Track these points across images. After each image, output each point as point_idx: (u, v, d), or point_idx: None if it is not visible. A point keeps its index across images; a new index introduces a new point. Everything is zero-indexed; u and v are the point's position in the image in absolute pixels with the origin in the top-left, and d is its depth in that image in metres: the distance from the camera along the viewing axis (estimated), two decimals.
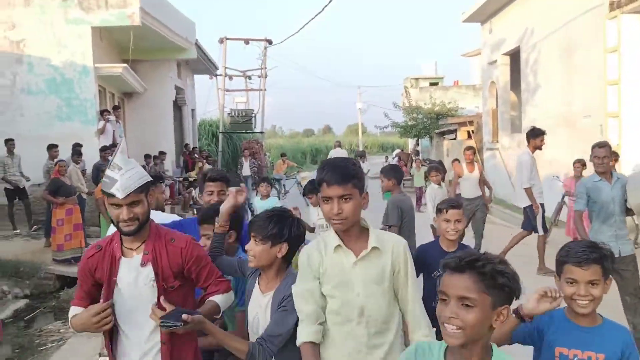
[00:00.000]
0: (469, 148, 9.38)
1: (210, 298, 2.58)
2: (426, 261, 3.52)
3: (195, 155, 18.30)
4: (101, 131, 11.77)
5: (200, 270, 2.54)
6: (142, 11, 12.03)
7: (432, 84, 39.53)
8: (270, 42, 27.22)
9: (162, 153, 15.23)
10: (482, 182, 9.10)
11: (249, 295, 2.70)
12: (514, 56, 15.81)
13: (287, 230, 2.60)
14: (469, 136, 21.74)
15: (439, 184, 8.13)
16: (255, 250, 2.57)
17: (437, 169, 8.59)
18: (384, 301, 2.31)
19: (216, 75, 25.25)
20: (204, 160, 18.09)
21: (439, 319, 1.67)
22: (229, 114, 25.68)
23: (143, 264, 2.43)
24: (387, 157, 30.34)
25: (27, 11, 11.64)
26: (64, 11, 11.79)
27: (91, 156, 11.06)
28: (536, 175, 7.92)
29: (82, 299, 2.51)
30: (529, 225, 7.87)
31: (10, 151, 10.42)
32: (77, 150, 10.05)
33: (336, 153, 20.95)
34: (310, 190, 6.22)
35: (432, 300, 2.96)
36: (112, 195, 2.34)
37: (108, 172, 2.39)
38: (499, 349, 1.73)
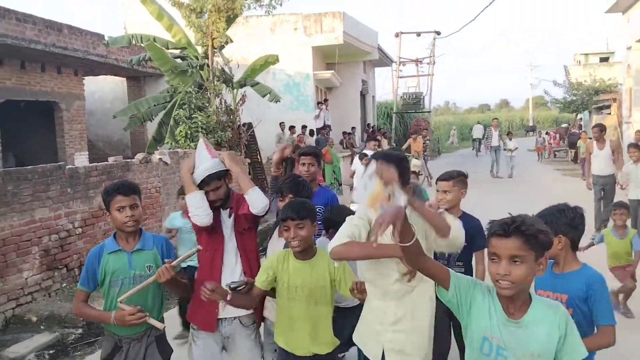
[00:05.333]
0: (597, 125, 9.46)
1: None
2: None
3: (376, 132, 23.76)
4: (317, 117, 17.76)
5: None
6: (344, 33, 17.73)
7: (602, 60, 40.39)
8: (438, 33, 31.64)
9: (353, 128, 21.02)
10: (617, 159, 8.96)
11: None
12: None
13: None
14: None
15: (637, 162, 7.90)
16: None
17: (636, 145, 8.22)
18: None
19: (392, 62, 30.31)
20: (382, 136, 23.45)
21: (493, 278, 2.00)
22: (401, 96, 30.68)
23: (229, 216, 3.34)
24: (540, 132, 32.08)
25: (272, 39, 17.91)
26: (295, 37, 17.93)
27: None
28: None
29: None
30: None
31: (282, 129, 16.68)
32: (309, 130, 16.09)
33: (476, 128, 25.43)
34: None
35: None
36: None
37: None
38: (535, 294, 2.16)
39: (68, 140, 14.55)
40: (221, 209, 3.32)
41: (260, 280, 2.96)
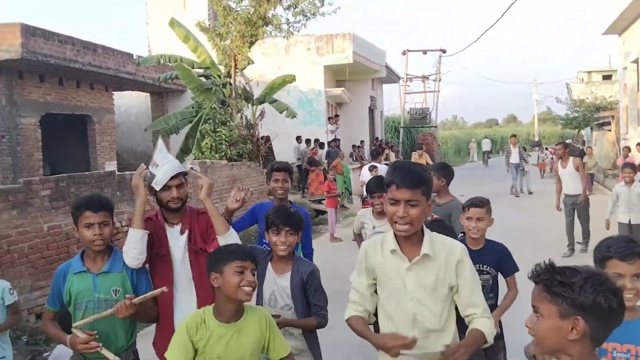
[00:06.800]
0: (561, 143, 9.29)
1: None
2: None
3: (383, 145, 24.89)
4: (333, 131, 18.97)
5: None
6: (354, 53, 18.96)
7: (605, 77, 41.42)
8: (444, 51, 32.84)
9: (362, 142, 22.19)
10: (583, 177, 8.58)
11: (261, 278, 3.02)
12: None
13: (303, 221, 3.16)
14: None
15: (629, 184, 7.35)
16: (289, 240, 2.98)
17: (632, 165, 7.84)
18: (437, 308, 2.28)
19: (399, 78, 31.52)
20: (390, 149, 24.56)
21: None
22: (408, 112, 31.83)
23: (182, 232, 3.03)
24: (542, 149, 31.45)
25: (286, 58, 19.16)
26: (308, 57, 19.18)
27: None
28: None
29: None
30: None
31: (299, 142, 17.71)
32: (320, 143, 17.25)
33: (485, 142, 26.22)
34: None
35: None
36: (153, 188, 2.95)
37: (150, 168, 2.98)
38: None
39: (99, 151, 15.78)
40: (166, 225, 3.05)
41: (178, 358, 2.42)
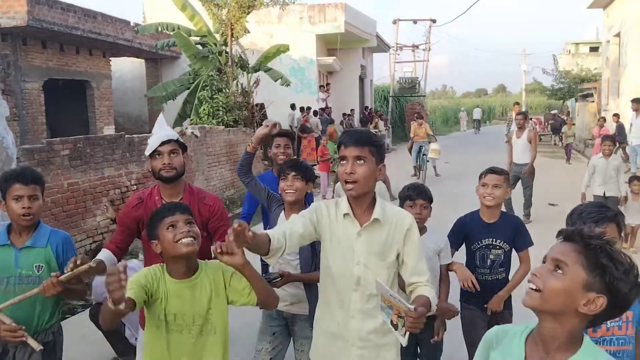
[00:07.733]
0: (521, 113, 9.35)
1: None
2: (466, 233, 3.39)
3: (372, 114, 25.52)
4: (324, 100, 19.57)
5: (221, 226, 2.98)
6: (346, 23, 19.42)
7: (592, 49, 42.04)
8: (434, 21, 33.20)
9: (352, 110, 22.80)
10: (534, 148, 8.73)
11: (274, 222, 3.18)
12: None
13: (312, 173, 3.29)
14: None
15: (607, 156, 7.35)
16: (297, 185, 3.09)
17: (612, 138, 7.82)
18: (383, 274, 2.28)
19: (389, 47, 31.94)
20: (379, 118, 25.21)
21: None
22: (397, 81, 32.33)
23: None
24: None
25: (279, 27, 19.59)
26: (300, 25, 19.62)
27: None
28: None
29: (115, 242, 2.93)
30: None
31: (294, 109, 18.27)
32: (313, 111, 17.90)
33: (476, 111, 27.00)
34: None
35: (474, 272, 3.24)
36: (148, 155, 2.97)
37: (148, 141, 2.97)
38: (591, 342, 1.52)
39: (98, 115, 16.32)
40: (163, 202, 2.95)
41: (134, 294, 2.21)
